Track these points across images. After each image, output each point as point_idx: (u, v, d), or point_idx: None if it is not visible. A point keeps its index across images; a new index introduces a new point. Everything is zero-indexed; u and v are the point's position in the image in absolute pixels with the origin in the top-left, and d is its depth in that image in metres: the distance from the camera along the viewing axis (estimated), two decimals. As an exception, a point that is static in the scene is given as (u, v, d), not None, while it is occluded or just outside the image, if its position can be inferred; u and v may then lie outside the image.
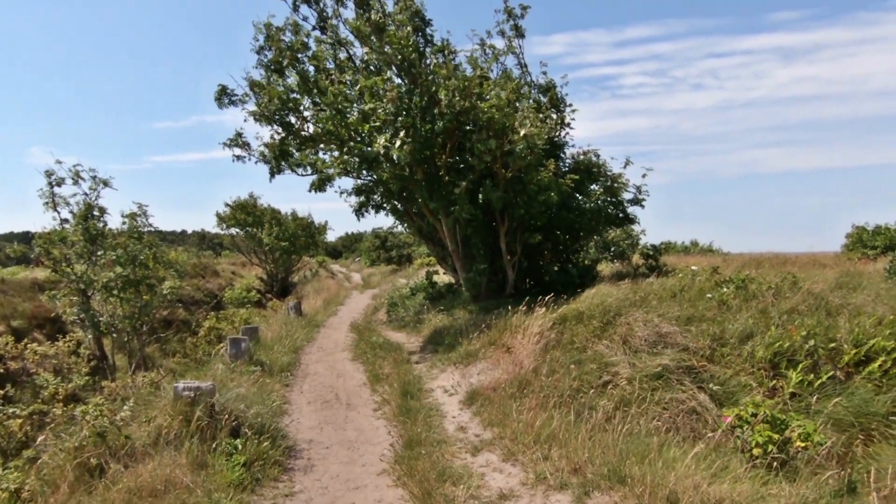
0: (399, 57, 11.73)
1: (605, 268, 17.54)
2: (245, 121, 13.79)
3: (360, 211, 15.29)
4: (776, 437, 4.91)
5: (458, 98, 11.87)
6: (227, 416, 6.03)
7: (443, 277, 18.84)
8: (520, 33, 14.10)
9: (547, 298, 9.58)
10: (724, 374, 6.85)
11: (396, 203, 15.27)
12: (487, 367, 8.74)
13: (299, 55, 13.00)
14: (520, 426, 6.15)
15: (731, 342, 7.45)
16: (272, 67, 13.10)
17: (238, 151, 14.23)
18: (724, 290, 9.20)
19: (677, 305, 8.62)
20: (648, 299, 8.96)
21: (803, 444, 4.84)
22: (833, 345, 7.02)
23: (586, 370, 7.14)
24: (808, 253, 17.43)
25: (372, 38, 11.95)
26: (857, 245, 16.62)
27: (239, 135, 14.06)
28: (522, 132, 11.73)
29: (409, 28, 11.73)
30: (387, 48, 11.82)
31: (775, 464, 4.73)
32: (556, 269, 14.74)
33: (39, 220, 23.76)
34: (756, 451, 4.85)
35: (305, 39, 13.11)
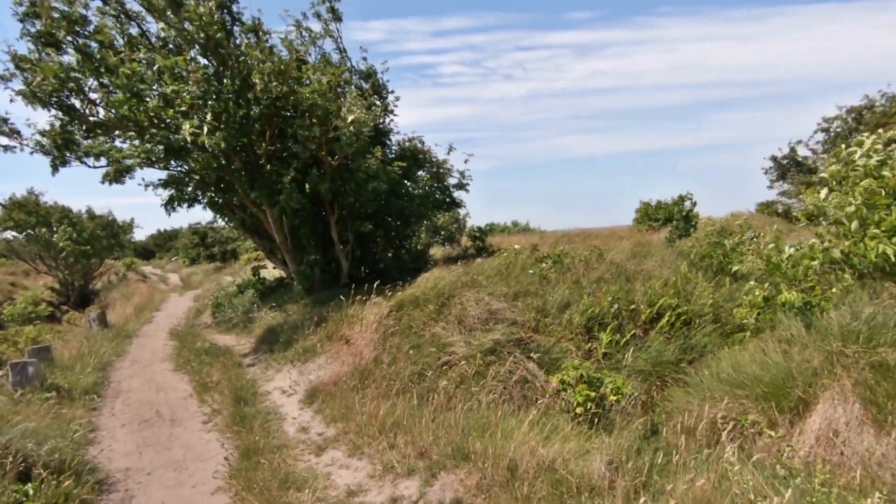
0: (203, 35, 10.67)
1: (437, 251, 18.11)
2: (11, 101, 11.49)
3: (170, 205, 13.73)
4: (593, 394, 5.46)
5: (274, 82, 11.21)
6: (11, 457, 5.02)
7: (273, 272, 17.88)
8: (337, 16, 13.73)
9: (383, 285, 9.57)
10: (548, 342, 7.46)
11: (214, 195, 14.01)
12: (327, 361, 8.48)
13: (78, 28, 11.15)
14: (364, 418, 6.06)
15: (553, 312, 8.14)
16: (44, 40, 11.07)
17: (4, 140, 11.88)
18: (544, 265, 10.01)
19: (504, 283, 9.17)
20: (479, 279, 9.40)
21: (616, 398, 5.46)
22: (633, 306, 8.05)
23: (425, 353, 7.27)
24: (608, 227, 19.84)
25: (168, 12, 10.68)
26: (645, 218, 19.36)
27: (4, 120, 11.72)
28: (350, 118, 11.49)
29: (211, 3, 10.70)
30: (187, 25, 10.68)
31: (595, 419, 5.28)
32: (389, 255, 14.83)
33: None
34: (578, 410, 5.36)
35: (84, 11, 11.26)
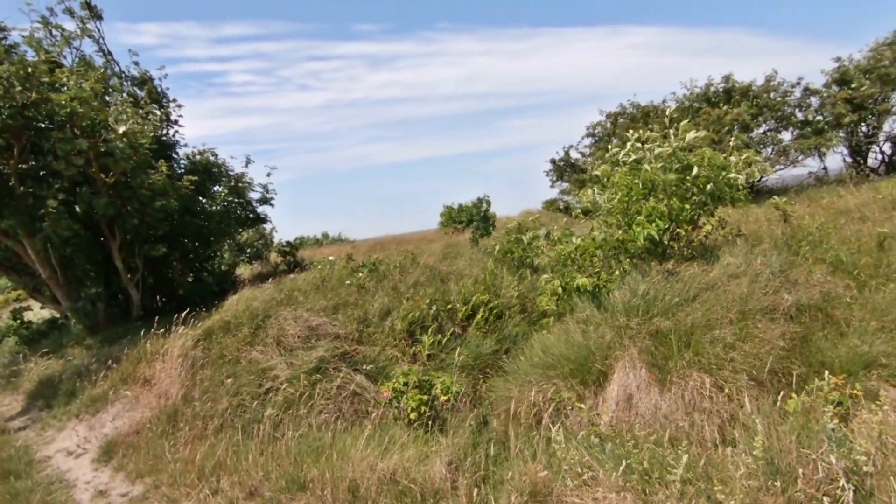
0: None
1: (244, 271, 16.92)
2: None
3: None
4: (425, 397, 5.54)
5: (19, 87, 9.38)
6: None
7: (41, 312, 14.98)
8: (95, 14, 12.02)
9: (185, 314, 8.59)
10: (373, 352, 7.40)
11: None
12: (124, 408, 7.32)
13: None
14: (178, 466, 5.34)
15: (374, 321, 8.11)
16: None
17: None
18: (360, 274, 9.92)
19: (322, 296, 8.89)
20: (294, 296, 8.97)
21: (446, 397, 5.61)
22: (450, 306, 8.38)
23: (244, 382, 6.69)
24: (418, 231, 20.51)
25: None
26: (450, 221, 20.46)
27: None
28: (121, 129, 10.11)
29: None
30: None
31: (430, 422, 5.35)
32: (189, 280, 13.42)
33: None
34: (412, 416, 5.38)
35: None
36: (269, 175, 14.94)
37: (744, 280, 5.69)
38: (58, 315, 13.68)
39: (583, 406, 4.87)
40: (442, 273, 9.99)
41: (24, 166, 10.26)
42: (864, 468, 2.72)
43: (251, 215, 14.75)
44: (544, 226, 10.95)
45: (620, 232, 7.09)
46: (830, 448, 2.84)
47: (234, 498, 4.60)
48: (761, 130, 16.15)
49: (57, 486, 5.79)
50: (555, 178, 21.98)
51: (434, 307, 8.23)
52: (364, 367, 6.98)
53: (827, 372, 4.06)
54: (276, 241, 18.89)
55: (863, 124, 15.69)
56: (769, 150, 15.81)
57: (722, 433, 4.18)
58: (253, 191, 14.48)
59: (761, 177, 14.39)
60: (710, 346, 4.90)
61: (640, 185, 6.92)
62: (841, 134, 15.69)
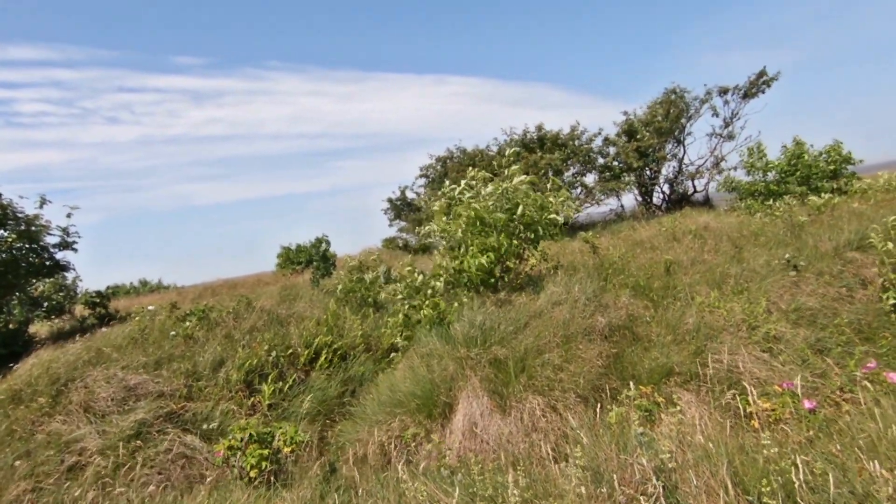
0: None
1: (40, 328, 14.45)
2: None
3: None
4: (266, 451, 5.19)
5: None
6: None
7: None
8: None
9: (-42, 386, 7.08)
10: (205, 408, 6.77)
11: None
12: None
13: None
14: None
15: (206, 374, 7.45)
16: None
17: None
18: (188, 323, 9.09)
19: (141, 351, 7.97)
20: (106, 352, 7.91)
21: (290, 448, 5.30)
22: (291, 350, 8.03)
23: (41, 460, 5.66)
24: (252, 274, 19.36)
25: None
26: (287, 262, 19.66)
27: None
28: None
29: None
30: None
31: (272, 478, 5.00)
32: (-37, 343, 11.10)
33: None
34: (252, 474, 4.99)
35: None
36: (69, 216, 13.04)
37: (565, 306, 6.31)
38: None
39: (433, 439, 4.95)
40: (281, 316, 9.56)
41: None
42: (669, 465, 3.13)
43: (48, 262, 12.74)
44: (384, 263, 11.09)
45: (456, 263, 7.47)
46: (641, 451, 3.23)
47: None
48: (570, 173, 18.31)
49: None
50: (393, 217, 22.47)
51: (274, 353, 7.82)
52: (195, 426, 6.34)
53: (632, 383, 4.63)
54: (81, 291, 16.51)
55: (647, 169, 18.59)
56: (578, 190, 17.97)
57: (557, 450, 4.52)
58: (50, 234, 12.57)
59: (575, 214, 16.22)
60: (542, 369, 5.32)
61: (474, 221, 7.40)
62: (632, 177, 18.40)
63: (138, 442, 5.92)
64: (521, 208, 7.23)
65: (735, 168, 17.31)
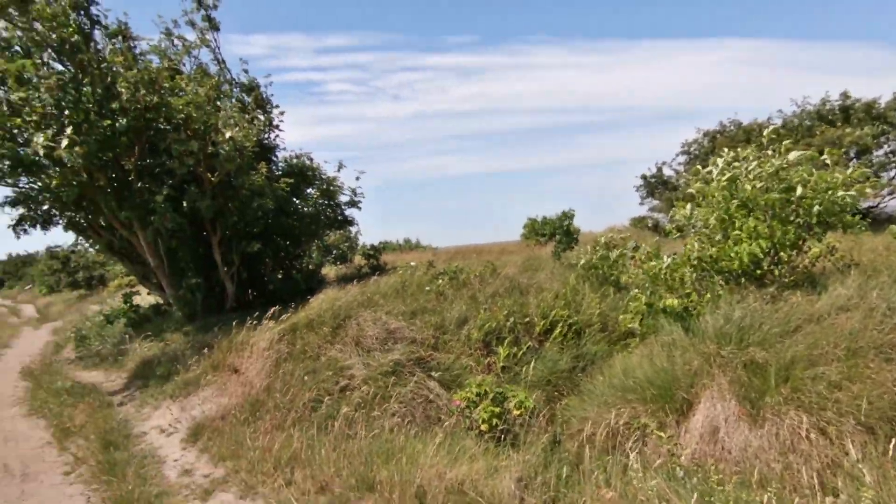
0: (56, 37, 9.58)
1: (329, 271, 17.57)
2: None
3: (20, 226, 12.10)
4: (498, 410, 5.47)
5: (143, 91, 10.30)
6: None
7: (148, 298, 16.31)
8: (213, 26, 12.95)
9: (274, 309, 9.03)
10: (448, 359, 7.42)
11: (74, 215, 12.53)
12: (213, 393, 7.80)
13: None
14: (257, 454, 5.60)
15: (451, 329, 8.14)
16: None
17: None
18: (440, 281, 10.01)
19: (402, 301, 9.04)
20: (375, 298, 9.19)
21: (519, 412, 5.50)
22: (527, 319, 8.26)
23: (322, 378, 6.92)
24: (498, 242, 20.45)
25: (11, 10, 9.46)
26: (532, 233, 20.24)
27: None
28: (228, 133, 10.83)
29: (64, 3, 9.66)
30: (36, 25, 9.53)
31: (502, 435, 5.27)
32: (279, 277, 14.11)
33: None
34: (484, 427, 5.33)
35: None
36: (357, 179, 15.47)
37: (856, 314, 5.17)
38: (162, 302, 14.84)
39: (663, 435, 4.61)
40: (521, 285, 9.87)
41: (141, 163, 11.24)
42: None
43: (340, 217, 15.29)
44: (634, 241, 10.55)
45: (715, 249, 6.69)
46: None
47: (306, 491, 4.74)
48: (881, 152, 14.75)
49: (149, 460, 6.25)
50: (645, 195, 21.21)
51: (511, 319, 8.14)
52: (438, 373, 7.01)
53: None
54: (361, 244, 19.49)
55: None
56: (891, 173, 14.40)
57: (821, 479, 3.80)
58: (343, 194, 15.02)
59: (879, 202, 13.11)
60: (812, 384, 4.48)
61: (738, 204, 6.51)
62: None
63: (393, 378, 6.80)
64: (799, 189, 6.09)
65: None
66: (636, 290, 7.39)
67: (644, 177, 20.95)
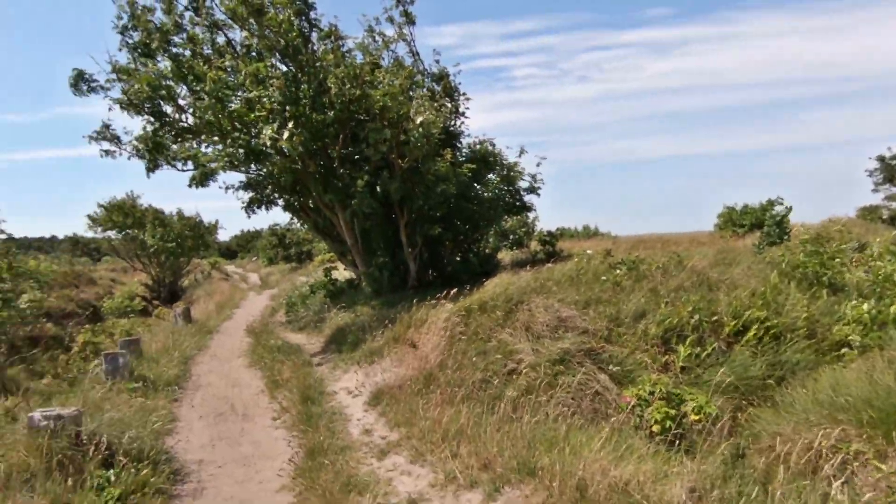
0: (282, 42, 11.04)
1: (505, 256, 17.85)
2: (110, 109, 12.28)
3: (250, 207, 14.37)
4: (673, 412, 5.08)
5: (348, 86, 11.41)
6: (96, 444, 5.27)
7: (343, 273, 18.26)
8: (410, 20, 13.80)
9: (451, 290, 9.46)
10: (621, 353, 7.07)
11: (290, 198, 14.49)
12: (392, 364, 8.47)
13: (171, 37, 11.84)
14: (427, 424, 5.95)
15: (627, 322, 7.74)
16: (140, 51, 11.82)
17: (106, 145, 12.76)
18: (618, 271, 9.57)
19: (575, 289, 8.83)
20: (548, 285, 9.11)
21: (697, 417, 5.05)
22: (715, 318, 7.50)
23: (491, 360, 7.08)
24: (687, 232, 18.86)
25: (250, 20, 11.13)
26: (728, 224, 18.21)
27: (106, 126, 12.61)
28: (419, 119, 11.51)
29: (290, 11, 11.06)
30: (268, 32, 11.08)
31: (675, 439, 4.89)
32: (458, 259, 14.73)
33: None
34: (655, 428, 4.99)
35: (179, 20, 11.95)
36: (538, 165, 15.39)
37: None
38: (355, 277, 16.47)
39: (882, 466, 3.86)
40: (711, 280, 9.00)
41: (344, 151, 12.52)
42: None
43: (518, 203, 15.41)
44: (854, 237, 8.95)
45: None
46: None
47: (470, 466, 4.91)
48: None
49: (337, 417, 7.02)
50: (880, 180, 17.74)
51: (696, 316, 7.47)
52: (609, 367, 6.73)
53: None
54: (537, 229, 19.44)
55: None
56: None
57: None
58: (522, 179, 15.09)
59: None
60: None
61: None
62: None
63: (561, 367, 6.69)
64: None
65: None
66: (857, 299, 6.26)
67: (881, 158, 17.52)
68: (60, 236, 75.02)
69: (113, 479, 4.98)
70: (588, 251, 12.66)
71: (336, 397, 7.93)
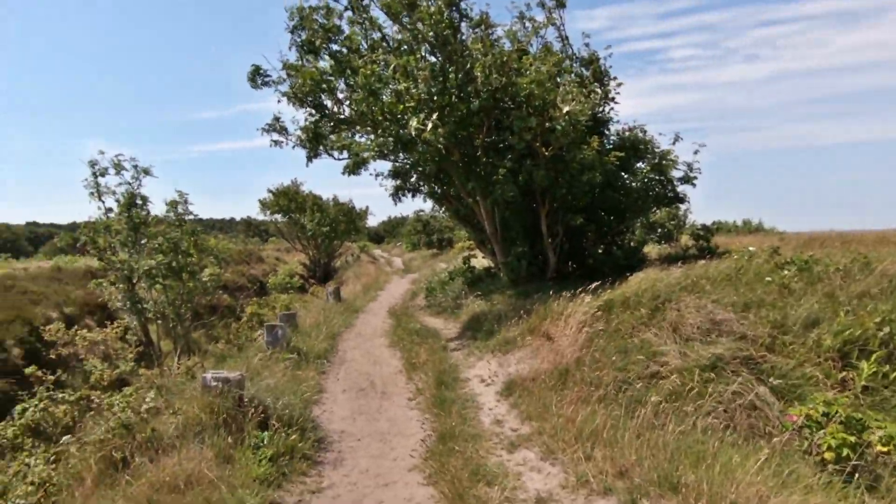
0: (432, 34, 11.28)
1: (651, 250, 16.74)
2: (279, 101, 13.54)
3: (396, 194, 15.07)
4: (852, 439, 4.35)
5: (494, 74, 11.36)
6: (255, 407, 5.85)
7: (481, 261, 18.43)
8: (560, 3, 13.36)
9: (592, 284, 9.05)
10: (786, 364, 6.24)
11: (433, 186, 14.91)
12: (526, 355, 8.34)
13: (332, 36, 12.69)
14: (560, 421, 5.75)
15: (795, 330, 6.80)
16: (305, 48, 12.84)
17: (276, 136, 14.09)
18: (786, 272, 8.48)
19: (733, 290, 7.98)
20: (701, 283, 8.34)
21: (885, 449, 4.27)
22: (912, 332, 6.31)
23: (632, 360, 6.65)
24: (875, 230, 16.19)
25: (404, 15, 11.52)
26: (933, 222, 15.28)
27: (277, 119, 13.92)
28: (565, 109, 11.14)
29: (440, 2, 11.25)
30: (419, 24, 11.38)
31: (853, 471, 4.18)
32: (600, 251, 14.10)
33: (86, 210, 24.64)
34: (828, 456, 4.31)
35: (338, 21, 12.78)
36: (696, 153, 14.11)
37: None
38: (492, 265, 16.52)
39: None
40: (907, 288, 7.59)
41: (488, 140, 12.54)
42: None
43: (670, 194, 14.32)
44: None
45: None
46: None
47: (604, 471, 4.64)
48: None
49: (469, 404, 7.07)
50: None
51: (887, 329, 6.34)
52: (770, 379, 5.96)
53: None
54: (688, 222, 17.96)
55: None
56: None
57: None
58: (676, 169, 13.98)
59: None
60: None
61: None
62: None
63: (712, 374, 6.08)
64: None
65: None
66: None
67: None
68: (238, 218, 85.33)
69: (266, 440, 5.49)
70: (750, 248, 11.38)
71: (469, 384, 8.00)
